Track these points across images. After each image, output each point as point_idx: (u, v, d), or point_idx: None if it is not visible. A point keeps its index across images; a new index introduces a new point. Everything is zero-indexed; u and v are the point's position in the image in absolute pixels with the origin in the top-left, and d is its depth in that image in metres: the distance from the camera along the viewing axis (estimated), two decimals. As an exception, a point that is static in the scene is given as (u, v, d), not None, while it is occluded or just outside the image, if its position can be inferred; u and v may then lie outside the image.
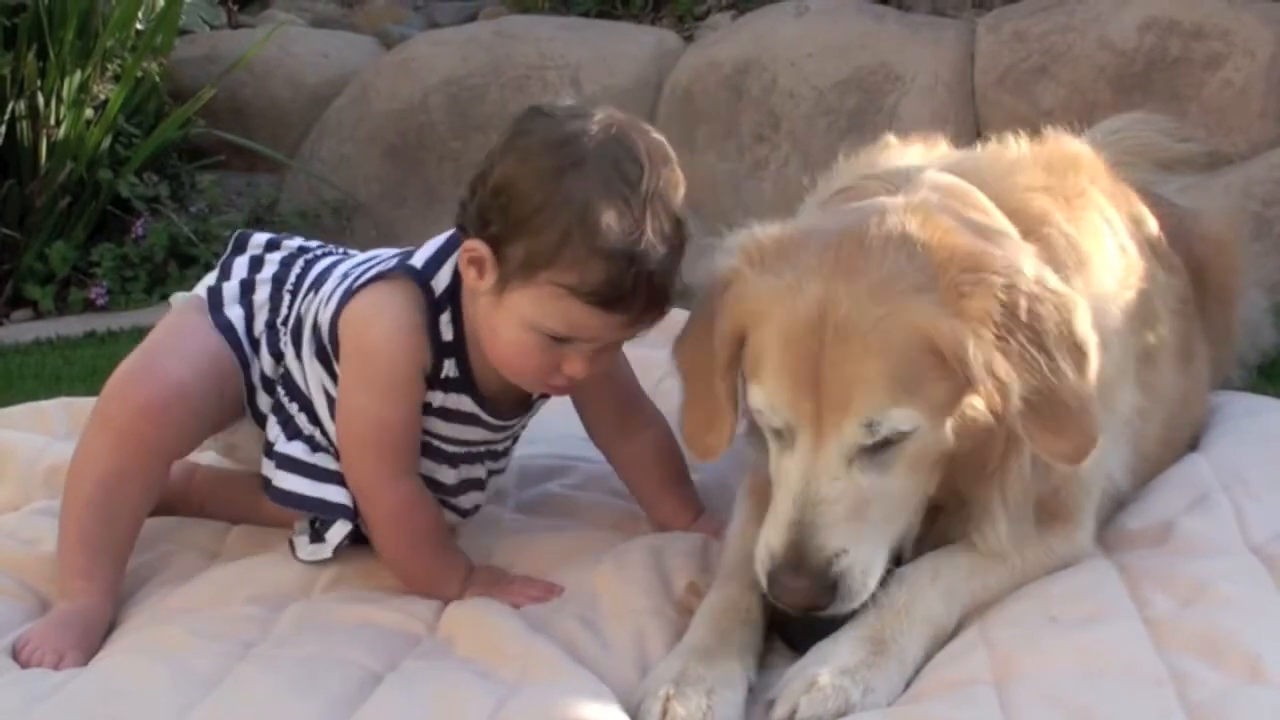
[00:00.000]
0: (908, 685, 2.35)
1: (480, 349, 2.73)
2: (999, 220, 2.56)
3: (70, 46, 5.55)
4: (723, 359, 2.50)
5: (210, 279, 2.99)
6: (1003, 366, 2.34)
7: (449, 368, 2.75)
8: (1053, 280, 2.43)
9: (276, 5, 7.56)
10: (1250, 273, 3.75)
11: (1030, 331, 2.36)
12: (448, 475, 2.87)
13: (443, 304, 2.73)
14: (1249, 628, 2.33)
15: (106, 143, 5.68)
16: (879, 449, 2.37)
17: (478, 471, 2.93)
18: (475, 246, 2.62)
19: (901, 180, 2.63)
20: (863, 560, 2.37)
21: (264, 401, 2.90)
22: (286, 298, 2.91)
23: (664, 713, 2.29)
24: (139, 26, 5.96)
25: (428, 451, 2.81)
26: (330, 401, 2.79)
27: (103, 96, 5.71)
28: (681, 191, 2.63)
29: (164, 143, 5.86)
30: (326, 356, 2.79)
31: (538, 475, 3.27)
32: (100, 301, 5.55)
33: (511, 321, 2.62)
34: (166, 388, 2.78)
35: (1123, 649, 2.30)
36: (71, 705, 2.34)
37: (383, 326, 2.69)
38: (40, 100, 5.51)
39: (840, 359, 2.34)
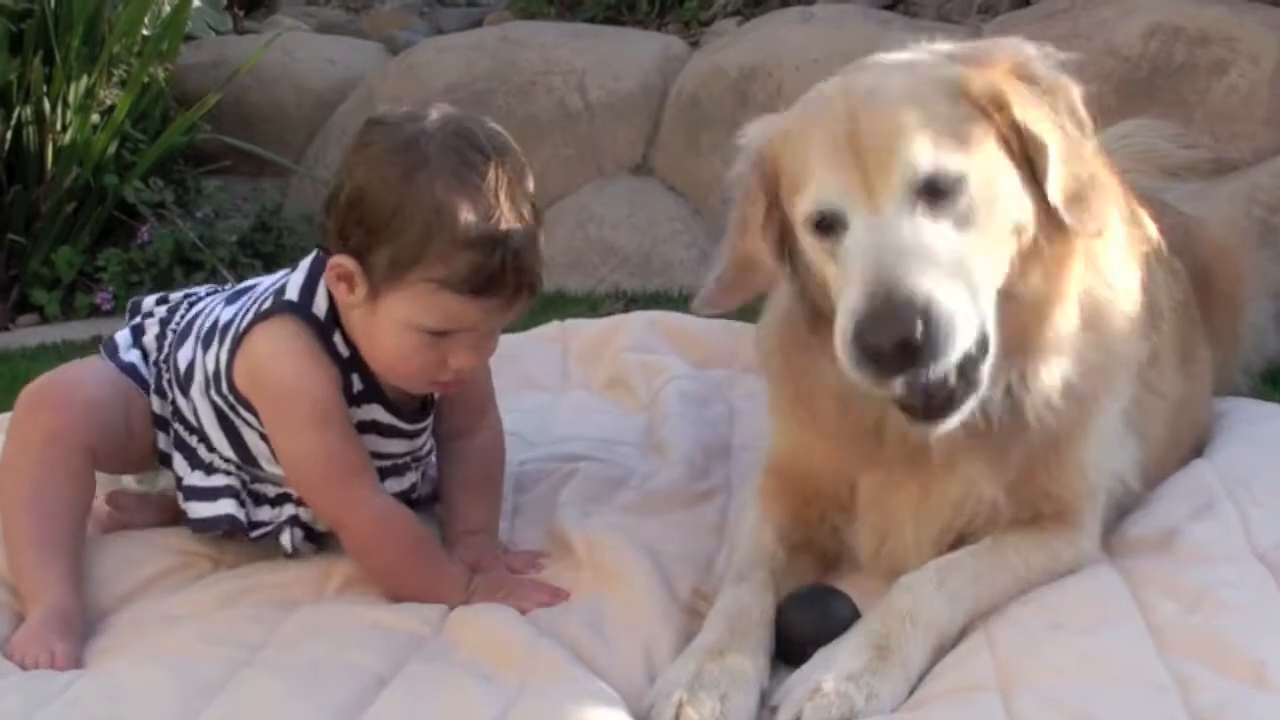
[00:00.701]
0: (912, 691, 2.34)
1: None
2: None
3: (76, 52, 5.57)
4: (760, 206, 2.52)
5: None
6: (1035, 118, 2.39)
7: (355, 382, 2.79)
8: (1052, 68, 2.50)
9: (282, 11, 7.59)
10: (1256, 279, 3.75)
11: (1049, 97, 2.44)
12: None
13: (330, 326, 2.77)
14: (1253, 634, 2.33)
15: (112, 148, 5.69)
16: (939, 202, 2.32)
17: (409, 480, 2.97)
18: (340, 262, 2.67)
19: None
20: (951, 307, 2.23)
21: (161, 440, 2.96)
22: (170, 336, 2.98)
23: (677, 717, 2.28)
24: (145, 32, 5.97)
25: None
26: (226, 430, 2.85)
27: (109, 102, 5.72)
28: (529, 177, 2.70)
29: (170, 148, 5.87)
30: (224, 397, 2.83)
31: (535, 478, 3.27)
32: (106, 307, 5.55)
33: (390, 326, 2.67)
34: (69, 388, 2.90)
35: (1127, 655, 2.30)
36: (75, 710, 2.34)
37: (288, 365, 2.73)
38: (46, 106, 5.52)
39: (875, 126, 2.35)
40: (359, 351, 2.77)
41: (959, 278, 2.28)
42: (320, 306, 2.77)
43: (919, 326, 2.20)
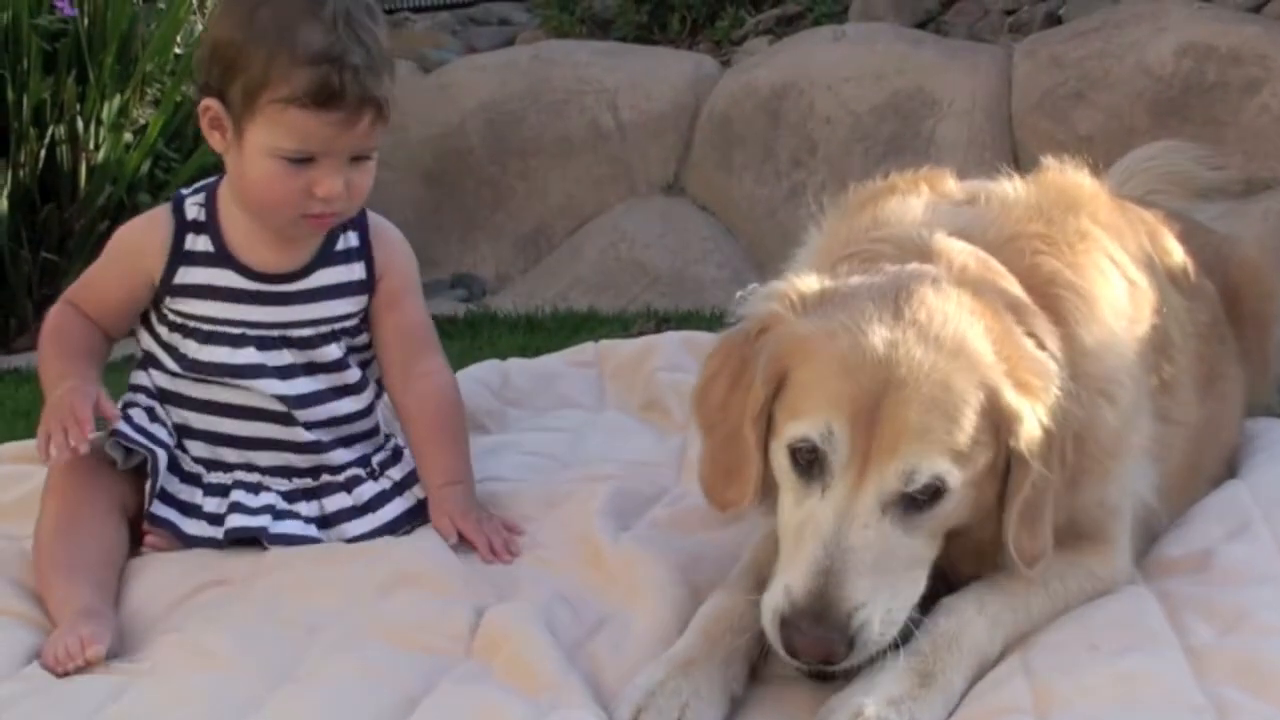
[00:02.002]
0: (950, 714, 2.34)
1: (234, 225, 3.05)
2: (1021, 291, 2.57)
3: (110, 71, 5.58)
4: (758, 402, 2.47)
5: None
6: (1039, 451, 2.38)
7: (198, 243, 3.07)
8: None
9: (315, 30, 7.60)
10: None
11: (1059, 438, 2.42)
12: (236, 356, 3.05)
13: (190, 195, 3.12)
14: (1292, 657, 2.31)
15: (146, 167, 5.70)
16: (911, 505, 2.37)
17: (280, 359, 3.07)
18: (206, 104, 2.96)
19: (916, 248, 2.62)
20: (881, 612, 2.34)
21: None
22: None
23: None
24: (178, 51, 5.99)
25: (211, 338, 3.05)
26: (152, 355, 3.13)
27: (142, 121, 5.74)
28: (375, 16, 2.96)
29: (203, 166, 5.87)
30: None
31: (566, 494, 3.23)
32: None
33: (254, 157, 2.92)
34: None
35: (1163, 678, 2.29)
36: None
37: (128, 224, 3.17)
38: (80, 124, 5.53)
39: (904, 402, 2.33)
40: (217, 216, 3.07)
41: (898, 584, 2.37)
42: (193, 186, 3.13)
43: (843, 647, 2.31)
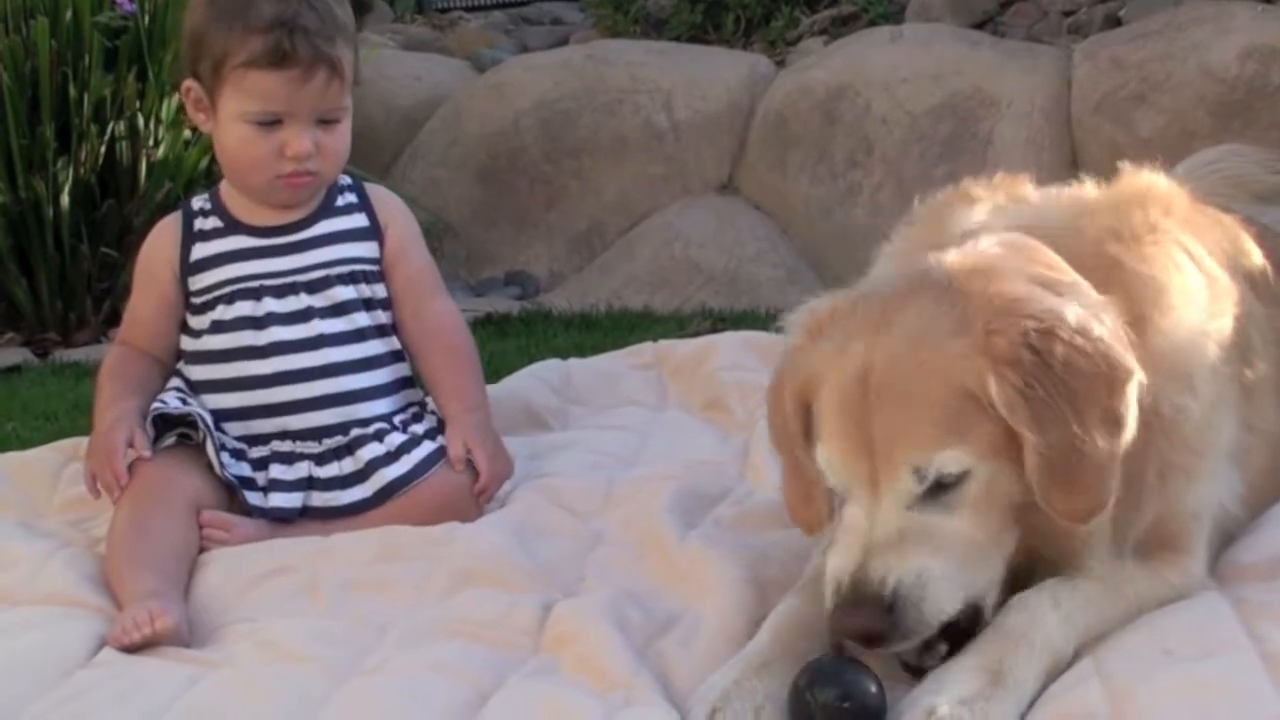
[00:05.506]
0: (1023, 716, 2.31)
1: (236, 201, 3.29)
2: (1068, 273, 2.52)
3: (169, 69, 5.62)
4: (796, 433, 2.53)
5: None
6: (1024, 414, 2.32)
7: (206, 223, 3.31)
8: (1105, 340, 2.38)
9: (369, 28, 7.64)
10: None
11: (1062, 385, 2.34)
12: (258, 309, 3.24)
13: (194, 195, 3.43)
14: (1370, 664, 2.28)
15: (204, 163, 5.73)
16: (937, 493, 2.36)
17: (298, 303, 3.24)
18: (186, 85, 3.23)
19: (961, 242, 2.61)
20: (920, 590, 2.33)
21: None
22: None
23: None
24: (237, 49, 6.03)
25: (234, 297, 3.24)
26: (185, 352, 3.31)
27: (200, 117, 5.78)
28: None
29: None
30: None
31: (630, 494, 3.24)
32: (196, 320, 5.59)
33: (227, 126, 3.18)
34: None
35: (1240, 684, 2.25)
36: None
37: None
38: (140, 121, 5.57)
39: (884, 413, 2.36)
40: (220, 199, 3.31)
41: (946, 558, 2.35)
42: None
43: (881, 621, 2.32)
